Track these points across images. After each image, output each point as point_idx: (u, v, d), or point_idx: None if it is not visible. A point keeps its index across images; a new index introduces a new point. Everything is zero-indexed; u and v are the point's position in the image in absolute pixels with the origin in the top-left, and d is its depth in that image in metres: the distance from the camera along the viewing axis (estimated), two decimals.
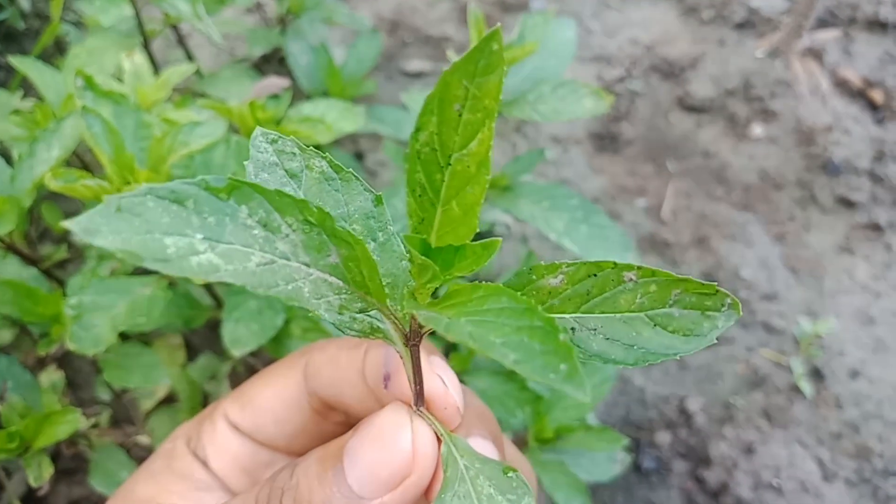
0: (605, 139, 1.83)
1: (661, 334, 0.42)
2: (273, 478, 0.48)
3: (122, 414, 1.18)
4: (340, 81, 1.36)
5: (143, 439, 1.11)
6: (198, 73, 1.43)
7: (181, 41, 1.49)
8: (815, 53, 1.95)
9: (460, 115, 0.36)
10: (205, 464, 0.55)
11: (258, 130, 0.44)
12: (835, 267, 1.67)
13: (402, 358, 0.46)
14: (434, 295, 0.43)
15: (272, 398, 0.56)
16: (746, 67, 1.93)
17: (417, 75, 1.87)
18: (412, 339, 0.44)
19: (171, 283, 0.96)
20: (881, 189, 1.76)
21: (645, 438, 1.45)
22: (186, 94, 1.30)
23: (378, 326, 0.46)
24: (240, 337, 0.89)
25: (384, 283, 0.44)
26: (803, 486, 1.40)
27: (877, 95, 1.88)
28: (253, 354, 1.14)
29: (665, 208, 1.73)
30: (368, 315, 0.45)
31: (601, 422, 1.46)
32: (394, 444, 0.44)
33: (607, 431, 1.05)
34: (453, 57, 1.14)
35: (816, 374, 1.53)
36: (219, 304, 0.99)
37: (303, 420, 0.55)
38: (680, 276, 0.41)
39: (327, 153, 0.45)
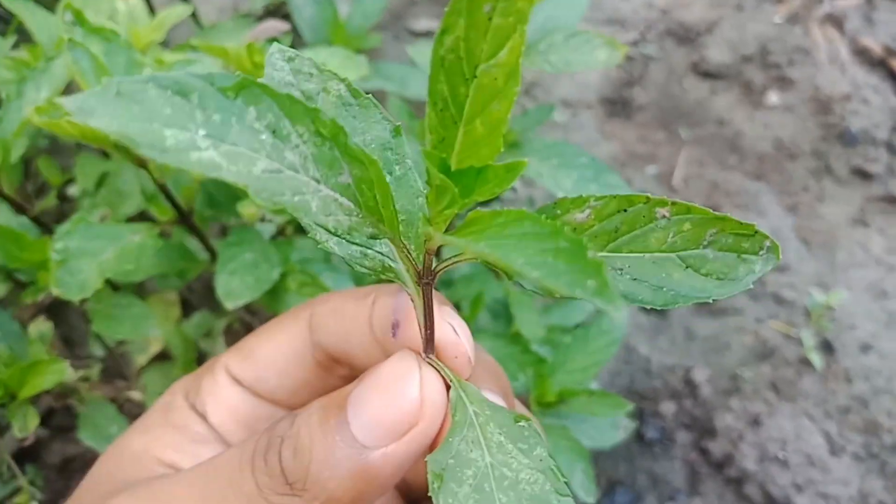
0: (616, 104, 1.79)
1: (692, 277, 0.39)
2: (273, 427, 0.46)
3: (116, 370, 1.16)
4: (344, 34, 1.32)
5: (136, 395, 1.09)
6: (198, 25, 1.39)
7: None
8: (835, 20, 1.89)
9: (490, 19, 0.32)
10: (203, 417, 0.53)
11: (274, 46, 0.42)
12: (848, 239, 1.63)
13: (413, 301, 0.44)
14: (451, 227, 0.40)
15: (275, 351, 0.54)
16: (764, 33, 1.88)
17: (425, 34, 1.83)
18: (425, 277, 0.42)
19: (163, 233, 0.93)
20: None
21: (649, 408, 1.42)
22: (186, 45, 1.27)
23: (390, 265, 0.44)
24: (234, 289, 0.86)
25: (400, 219, 0.41)
26: (810, 460, 1.37)
27: None
28: (250, 311, 1.12)
29: (676, 176, 1.69)
30: (380, 252, 0.44)
31: (605, 389, 1.43)
32: (401, 391, 0.42)
33: (611, 397, 1.02)
34: None
35: (827, 347, 1.49)
36: (213, 257, 0.96)
37: (306, 373, 0.53)
38: (718, 214, 0.38)
39: (346, 78, 0.42)
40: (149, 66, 0.83)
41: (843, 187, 1.69)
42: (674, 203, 0.38)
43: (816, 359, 1.47)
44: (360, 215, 0.36)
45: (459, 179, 0.35)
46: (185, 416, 0.53)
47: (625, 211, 0.39)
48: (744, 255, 0.38)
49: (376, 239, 0.40)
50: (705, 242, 0.39)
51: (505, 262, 0.29)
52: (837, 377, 1.46)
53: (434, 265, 0.42)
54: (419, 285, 0.43)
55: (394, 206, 0.37)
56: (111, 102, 0.29)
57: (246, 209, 0.84)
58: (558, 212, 0.40)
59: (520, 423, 0.42)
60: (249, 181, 0.31)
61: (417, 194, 0.43)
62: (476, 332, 1.05)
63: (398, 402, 0.42)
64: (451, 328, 0.45)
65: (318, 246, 0.43)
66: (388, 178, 0.40)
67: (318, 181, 0.34)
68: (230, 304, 0.85)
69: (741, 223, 0.38)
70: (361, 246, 0.44)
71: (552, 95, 1.78)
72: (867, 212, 1.66)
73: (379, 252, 0.44)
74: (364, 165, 0.35)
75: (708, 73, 1.83)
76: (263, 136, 0.32)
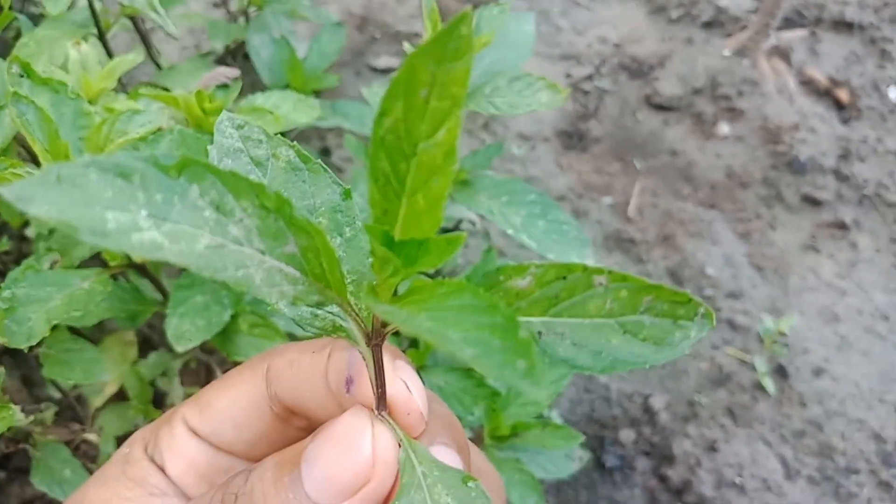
0: (572, 137, 1.83)
1: (630, 342, 0.40)
2: (227, 482, 0.46)
3: (72, 412, 1.16)
4: (302, 75, 1.34)
5: (92, 437, 1.09)
6: (156, 66, 1.41)
7: (144, 36, 1.46)
8: (782, 52, 1.95)
9: (427, 102, 0.34)
10: (162, 469, 0.53)
11: (224, 115, 0.43)
12: (800, 265, 1.67)
13: (364, 359, 0.44)
14: (396, 293, 0.41)
15: (232, 402, 0.53)
16: (714, 66, 1.93)
17: (386, 71, 1.86)
18: (374, 338, 0.43)
19: (115, 276, 0.94)
20: (846, 187, 1.76)
21: (609, 436, 1.44)
22: (144, 88, 1.28)
23: (340, 325, 0.44)
24: (184, 332, 0.87)
25: (349, 281, 0.42)
26: (766, 485, 1.39)
27: (843, 94, 1.88)
28: (206, 351, 1.12)
29: (631, 206, 1.72)
30: (330, 312, 0.44)
31: (565, 419, 1.45)
32: (353, 449, 0.42)
33: (564, 429, 1.03)
34: (411, 50, 1.13)
35: (780, 372, 1.52)
36: (167, 298, 0.97)
37: (263, 425, 0.53)
38: (652, 282, 0.39)
39: (295, 144, 0.43)
40: (98, 116, 0.84)
41: (793, 214, 1.74)
42: (610, 272, 0.39)
43: (770, 384, 1.50)
44: (307, 283, 0.37)
45: (402, 250, 0.37)
46: (144, 468, 0.53)
47: (564, 278, 0.40)
48: (679, 322, 0.40)
49: (321, 307, 0.41)
50: (642, 309, 0.40)
51: (442, 341, 0.30)
52: (791, 401, 1.49)
53: (384, 326, 0.42)
54: (369, 346, 0.43)
55: (341, 272, 0.38)
56: (51, 189, 0.29)
57: None
58: (501, 278, 0.41)
59: (468, 485, 0.43)
60: (191, 259, 0.31)
61: (367, 255, 0.43)
62: (431, 366, 1.07)
63: (350, 460, 0.42)
64: (403, 384, 0.45)
65: (269, 308, 0.43)
66: (338, 241, 0.43)
67: (262, 252, 0.35)
68: (180, 347, 0.86)
69: (675, 291, 0.39)
70: (312, 307, 0.44)
71: (510, 129, 1.82)
72: (817, 238, 1.70)
73: (329, 312, 0.44)
74: (310, 235, 0.35)
75: (660, 106, 1.87)
76: (206, 213, 0.32)
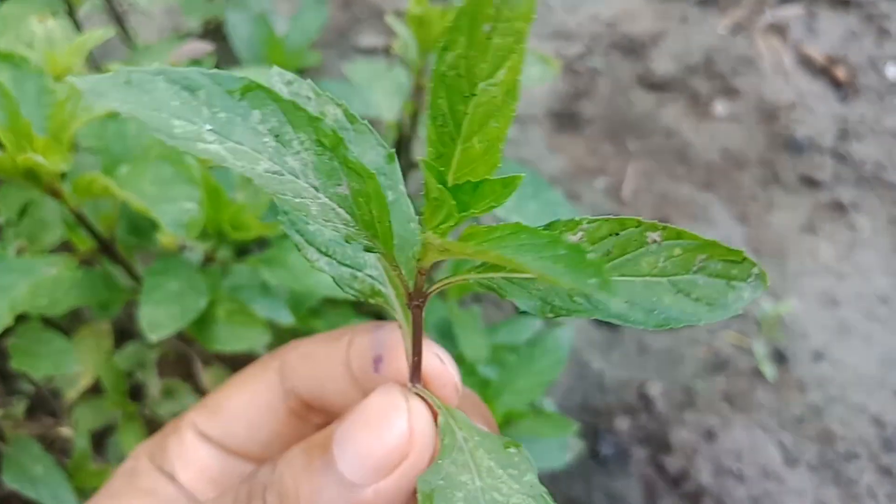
0: (564, 118, 1.78)
1: (683, 301, 0.39)
2: (252, 476, 0.44)
3: (45, 406, 1.11)
4: (282, 52, 1.29)
5: (66, 431, 1.04)
6: (131, 45, 1.36)
7: (119, 16, 1.41)
8: (779, 30, 1.91)
9: (489, 38, 0.32)
10: (172, 478, 0.51)
11: (274, 69, 0.43)
12: (798, 248, 1.63)
13: (401, 327, 0.44)
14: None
15: (244, 403, 0.53)
16: (709, 44, 1.89)
17: (370, 51, 1.81)
18: (416, 299, 0.42)
19: (85, 262, 0.89)
20: (844, 168, 1.73)
21: (603, 424, 1.41)
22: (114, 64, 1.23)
23: (379, 289, 0.45)
24: (158, 320, 0.82)
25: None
26: (765, 472, 1.36)
27: (840, 72, 1.84)
28: (185, 341, 1.08)
29: (625, 188, 1.68)
30: (370, 276, 0.45)
31: (559, 407, 1.41)
32: (388, 424, 0.41)
33: (558, 417, 1.00)
34: (396, 25, 1.08)
35: (779, 358, 1.49)
36: (140, 285, 0.92)
37: (278, 425, 0.52)
38: (706, 239, 0.39)
39: (343, 102, 0.43)
40: (63, 93, 0.79)
41: (791, 195, 1.70)
42: (664, 227, 0.39)
43: (769, 369, 1.47)
44: (356, 228, 0.37)
45: (457, 194, 0.36)
46: (153, 479, 0.51)
47: (616, 234, 0.40)
48: (733, 282, 0.39)
49: (371, 252, 0.40)
50: (695, 268, 0.39)
51: (518, 262, 0.29)
52: (790, 387, 1.46)
53: (425, 287, 0.42)
54: (409, 308, 0.42)
55: (390, 222, 0.38)
56: (122, 88, 0.31)
57: (163, 237, 0.80)
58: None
59: (509, 450, 0.42)
60: (254, 176, 0.33)
61: (410, 220, 0.43)
62: None
63: (387, 436, 0.41)
64: (436, 357, 0.45)
65: (311, 265, 0.43)
66: None
67: (316, 189, 0.35)
68: (154, 336, 0.81)
69: (730, 249, 0.38)
70: (352, 268, 0.44)
71: None
72: (815, 219, 1.67)
73: (369, 275, 0.44)
74: (362, 179, 0.35)
75: (654, 85, 1.83)
76: (266, 139, 0.34)
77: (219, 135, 0.33)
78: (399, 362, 0.46)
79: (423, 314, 0.43)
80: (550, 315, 0.43)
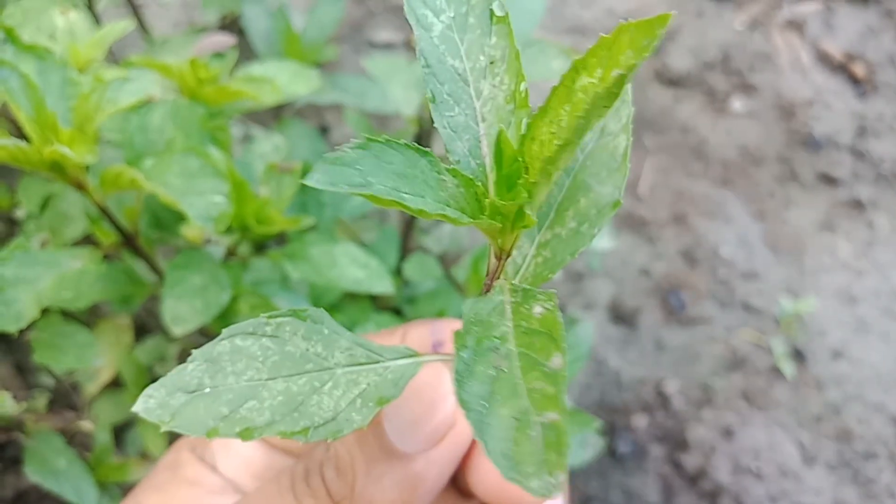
0: None
1: None
2: (307, 455, 0.46)
3: (66, 400, 1.11)
4: (299, 47, 1.29)
5: (86, 425, 1.04)
6: (148, 39, 1.35)
7: (135, 9, 1.41)
8: (796, 26, 1.90)
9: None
10: (214, 469, 0.52)
11: None
12: (816, 245, 1.62)
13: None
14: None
15: None
16: (725, 40, 1.87)
17: (385, 46, 1.80)
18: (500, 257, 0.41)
19: (110, 257, 0.89)
20: (863, 165, 1.71)
21: (620, 422, 1.40)
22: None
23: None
24: (181, 314, 0.82)
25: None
26: (783, 470, 1.35)
27: (858, 69, 1.83)
28: (205, 335, 1.08)
29: (642, 185, 1.67)
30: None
31: (576, 404, 1.40)
32: (436, 396, 0.43)
33: (578, 414, 0.99)
34: None
35: (797, 355, 1.48)
36: (162, 280, 0.92)
37: None
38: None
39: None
40: (86, 85, 0.79)
41: (808, 193, 1.69)
42: None
43: (787, 367, 1.46)
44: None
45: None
46: (197, 470, 0.52)
47: None
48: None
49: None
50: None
51: None
52: (809, 385, 1.45)
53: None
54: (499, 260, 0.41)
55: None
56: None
57: (188, 231, 0.80)
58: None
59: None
60: None
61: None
62: None
63: (435, 407, 0.43)
64: None
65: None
66: None
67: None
68: (178, 331, 0.81)
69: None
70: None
71: None
72: (833, 217, 1.65)
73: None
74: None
75: (671, 81, 1.82)
76: None
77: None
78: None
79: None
80: None
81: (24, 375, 1.24)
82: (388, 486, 0.43)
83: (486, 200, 0.36)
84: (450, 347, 0.48)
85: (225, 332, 0.39)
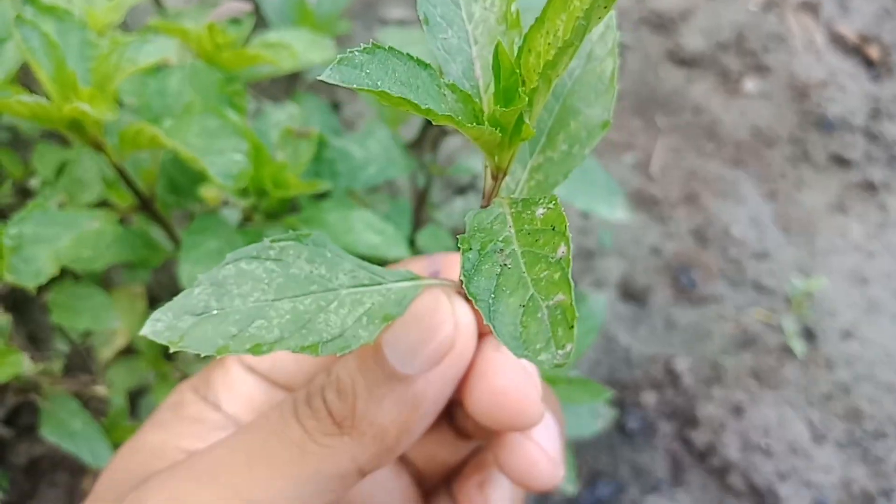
0: None
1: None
2: (310, 382, 0.47)
3: (81, 365, 1.12)
4: (312, 20, 1.28)
5: (101, 390, 1.05)
6: (162, 12, 1.36)
7: None
8: (811, 7, 1.89)
9: None
10: (217, 407, 0.53)
11: None
12: (827, 226, 1.61)
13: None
14: None
15: None
16: (739, 20, 1.87)
17: (398, 23, 1.80)
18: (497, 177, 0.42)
19: (125, 221, 0.89)
20: (875, 147, 1.71)
21: (630, 398, 1.40)
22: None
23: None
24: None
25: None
26: (792, 448, 1.35)
27: (872, 51, 1.82)
28: None
29: (654, 164, 1.67)
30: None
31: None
32: (434, 319, 0.44)
33: (591, 384, 0.99)
34: None
35: (808, 335, 1.48)
36: (178, 245, 0.92)
37: (324, 357, 0.54)
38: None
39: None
40: (104, 48, 0.79)
41: (820, 174, 1.68)
42: None
43: (798, 346, 1.46)
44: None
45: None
46: (200, 408, 0.53)
47: None
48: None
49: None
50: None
51: None
52: (819, 364, 1.45)
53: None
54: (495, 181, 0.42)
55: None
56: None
57: (207, 192, 0.81)
58: None
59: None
60: None
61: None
62: None
63: (434, 330, 0.44)
64: None
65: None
66: None
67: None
68: None
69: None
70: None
71: None
72: (845, 198, 1.65)
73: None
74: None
75: (684, 61, 1.81)
76: None
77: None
78: (454, 274, 0.49)
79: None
80: None
81: (38, 344, 1.25)
82: (388, 407, 0.44)
83: (486, 114, 0.36)
84: (447, 274, 0.49)
85: (229, 256, 0.40)
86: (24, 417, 1.23)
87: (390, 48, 0.32)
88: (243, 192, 0.81)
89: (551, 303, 0.29)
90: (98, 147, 0.75)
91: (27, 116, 0.70)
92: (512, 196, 0.39)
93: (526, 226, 0.33)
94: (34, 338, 1.25)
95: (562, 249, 0.31)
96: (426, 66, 0.34)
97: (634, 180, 1.64)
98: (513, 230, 0.34)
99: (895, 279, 1.55)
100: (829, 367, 1.44)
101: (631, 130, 1.72)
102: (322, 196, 0.98)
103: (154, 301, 1.14)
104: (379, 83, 0.31)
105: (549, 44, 0.33)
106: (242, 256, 0.40)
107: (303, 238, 0.41)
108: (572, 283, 0.29)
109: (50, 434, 0.89)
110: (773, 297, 1.52)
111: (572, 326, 0.28)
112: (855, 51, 1.83)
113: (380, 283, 0.41)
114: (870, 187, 1.66)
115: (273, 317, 0.39)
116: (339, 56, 0.30)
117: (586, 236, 1.56)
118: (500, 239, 0.33)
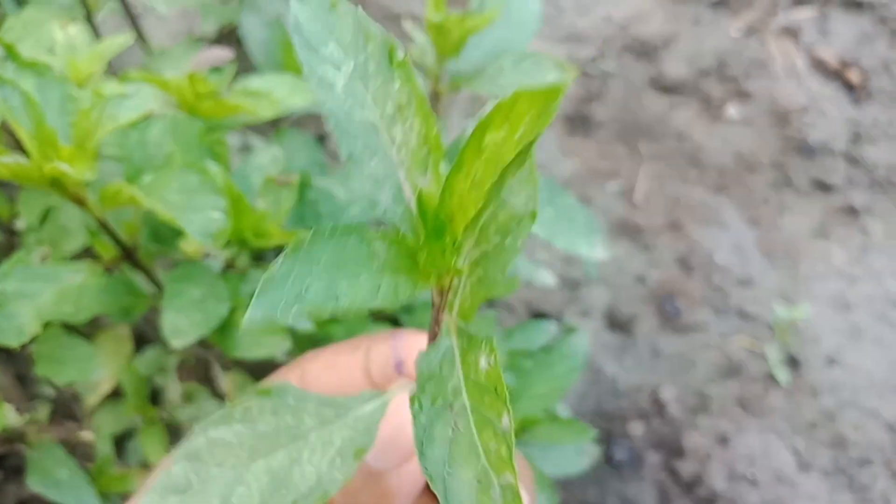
0: (576, 121, 1.78)
1: None
2: None
3: (67, 410, 1.12)
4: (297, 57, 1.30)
5: (87, 436, 1.05)
6: (146, 50, 1.36)
7: (133, 20, 1.42)
8: (791, 32, 1.91)
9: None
10: None
11: None
12: (810, 251, 1.63)
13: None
14: None
15: None
16: (721, 47, 1.89)
17: None
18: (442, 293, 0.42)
19: (108, 269, 0.90)
20: (857, 171, 1.72)
21: (617, 429, 1.41)
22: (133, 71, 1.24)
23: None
24: (180, 327, 0.83)
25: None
26: (778, 477, 1.36)
27: (853, 76, 1.84)
28: (204, 346, 1.09)
29: (637, 192, 1.68)
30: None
31: (573, 412, 1.41)
32: (399, 414, 0.45)
33: (575, 423, 1.00)
34: (412, 29, 1.08)
35: (792, 362, 1.49)
36: (161, 291, 0.93)
37: None
38: None
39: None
40: (86, 100, 0.80)
41: (803, 199, 1.70)
42: None
43: (782, 374, 1.47)
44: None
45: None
46: None
47: None
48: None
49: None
50: None
51: None
52: (803, 392, 1.46)
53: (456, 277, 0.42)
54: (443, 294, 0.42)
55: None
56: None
57: (187, 246, 0.81)
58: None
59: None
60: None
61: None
62: None
63: (402, 429, 0.45)
64: None
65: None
66: None
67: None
68: (177, 343, 0.82)
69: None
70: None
71: None
72: (828, 223, 1.66)
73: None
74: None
75: (666, 88, 1.83)
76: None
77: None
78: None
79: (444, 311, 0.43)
80: None
81: (25, 385, 1.25)
82: (364, 501, 0.46)
83: (419, 257, 0.36)
84: (410, 366, 0.50)
85: (196, 428, 0.40)
86: (12, 460, 1.23)
87: (314, 232, 0.31)
88: (224, 244, 0.82)
89: (502, 482, 0.30)
90: (80, 202, 0.75)
91: (7, 176, 0.70)
92: (460, 324, 0.39)
93: (472, 374, 0.34)
94: (23, 379, 1.25)
95: (505, 420, 0.31)
96: (352, 230, 0.33)
97: (618, 208, 1.66)
98: (461, 377, 0.34)
99: (878, 304, 1.56)
100: (813, 394, 1.45)
101: (614, 158, 1.73)
102: None
103: (142, 339, 1.14)
104: (306, 289, 0.30)
105: (469, 186, 0.33)
106: (210, 424, 0.41)
107: (263, 392, 0.42)
108: (516, 468, 0.30)
109: (36, 484, 0.89)
110: (756, 324, 1.53)
111: None
112: (835, 75, 1.85)
113: (345, 415, 0.42)
114: (851, 212, 1.68)
115: (251, 481, 0.39)
116: (263, 278, 0.29)
117: (572, 266, 1.57)
118: (450, 390, 0.34)
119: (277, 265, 0.30)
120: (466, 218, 0.34)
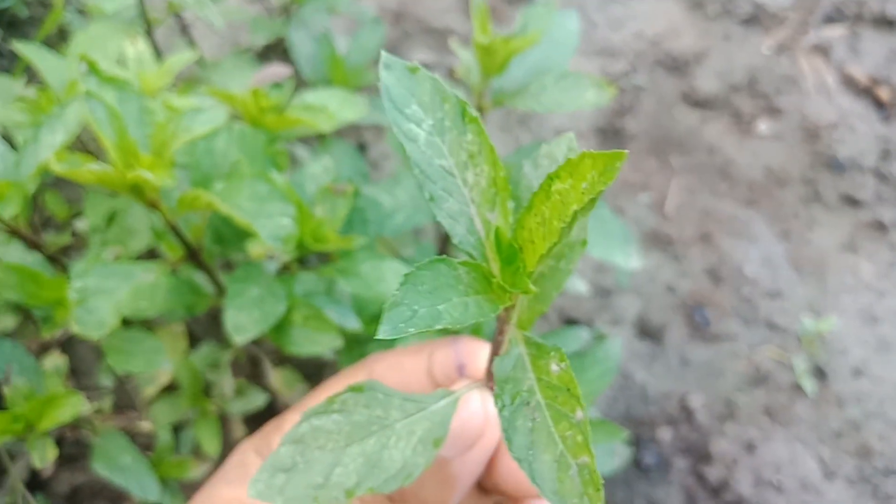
0: (608, 133, 1.83)
1: None
2: None
3: (125, 401, 1.18)
4: (343, 71, 1.35)
5: (145, 425, 1.11)
6: (200, 61, 1.43)
7: (184, 30, 1.49)
8: (822, 50, 1.94)
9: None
10: None
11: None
12: (839, 265, 1.66)
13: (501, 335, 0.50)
14: None
15: None
16: (752, 63, 1.93)
17: (423, 66, 1.86)
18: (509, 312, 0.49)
19: (174, 270, 0.96)
20: (886, 187, 1.75)
21: (646, 434, 1.45)
22: (189, 82, 1.30)
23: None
24: (241, 324, 0.89)
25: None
26: (803, 485, 1.39)
27: (883, 93, 1.87)
28: (256, 343, 1.15)
29: (668, 204, 1.73)
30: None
31: (603, 417, 1.46)
32: (466, 409, 0.52)
33: (606, 424, 1.04)
34: (460, 51, 1.13)
35: (819, 373, 1.52)
36: (220, 291, 0.99)
37: None
38: None
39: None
40: (159, 112, 0.86)
41: (832, 214, 1.73)
42: None
43: (808, 384, 1.50)
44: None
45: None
46: None
47: None
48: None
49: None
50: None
51: None
52: (830, 402, 1.49)
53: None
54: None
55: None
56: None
57: (254, 249, 0.87)
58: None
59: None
60: None
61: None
62: None
63: (466, 418, 0.51)
64: None
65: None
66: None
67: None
68: (239, 339, 0.87)
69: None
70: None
71: (546, 126, 1.83)
72: (856, 238, 1.70)
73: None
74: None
75: (698, 103, 1.87)
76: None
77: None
78: (478, 366, 0.57)
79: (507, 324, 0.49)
80: None
81: (79, 377, 1.31)
82: (431, 485, 0.52)
83: (494, 280, 0.43)
84: (471, 369, 0.57)
85: (302, 415, 0.47)
86: (66, 448, 1.29)
87: (417, 267, 0.38)
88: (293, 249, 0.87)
89: (580, 462, 0.36)
90: (154, 206, 0.81)
91: (93, 181, 0.76)
92: (526, 335, 0.46)
93: (544, 376, 0.41)
94: (76, 371, 1.32)
95: (579, 413, 0.38)
96: (441, 260, 0.40)
97: (650, 220, 1.70)
98: (533, 378, 0.41)
99: None
100: (839, 404, 1.48)
101: (646, 171, 1.78)
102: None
103: (194, 338, 1.20)
104: (416, 308, 0.37)
105: (537, 223, 0.40)
106: (312, 414, 0.48)
107: (357, 388, 0.49)
108: (594, 452, 0.36)
109: (101, 468, 0.95)
110: (784, 335, 1.57)
111: (599, 489, 0.36)
112: (865, 93, 1.89)
113: (425, 409, 0.49)
114: (880, 227, 1.71)
115: (348, 462, 0.46)
116: (387, 304, 0.36)
117: (604, 275, 1.62)
118: (525, 389, 0.41)
119: (396, 293, 0.37)
120: (535, 249, 0.41)
